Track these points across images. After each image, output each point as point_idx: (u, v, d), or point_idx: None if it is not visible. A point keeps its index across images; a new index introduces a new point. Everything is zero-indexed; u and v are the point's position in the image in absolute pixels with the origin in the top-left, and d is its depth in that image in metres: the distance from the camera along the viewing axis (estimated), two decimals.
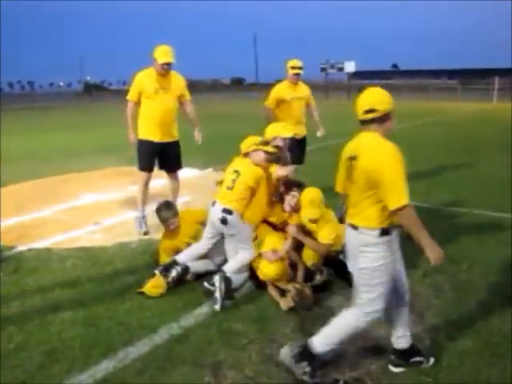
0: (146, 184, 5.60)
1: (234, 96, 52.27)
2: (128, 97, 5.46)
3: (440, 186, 7.74)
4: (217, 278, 3.68)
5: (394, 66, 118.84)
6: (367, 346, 3.15)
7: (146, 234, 5.35)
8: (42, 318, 3.54)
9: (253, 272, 4.03)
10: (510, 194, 6.71)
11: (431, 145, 12.69)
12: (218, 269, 4.00)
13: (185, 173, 8.85)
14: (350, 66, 48.89)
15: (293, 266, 4.04)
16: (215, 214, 3.85)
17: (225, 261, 4.08)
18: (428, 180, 8.20)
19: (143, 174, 5.53)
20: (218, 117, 25.46)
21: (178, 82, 5.49)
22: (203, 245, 4.12)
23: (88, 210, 6.56)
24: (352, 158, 2.66)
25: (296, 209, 4.08)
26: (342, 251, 4.05)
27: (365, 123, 2.69)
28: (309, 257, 4.08)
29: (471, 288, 3.96)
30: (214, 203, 3.94)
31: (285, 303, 3.64)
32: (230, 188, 3.87)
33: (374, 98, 2.70)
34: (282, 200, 4.19)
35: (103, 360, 2.99)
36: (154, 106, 5.31)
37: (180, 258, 4.09)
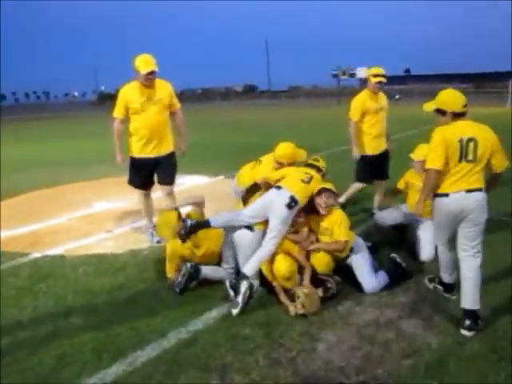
0: (146, 197, 5.45)
1: (247, 104, 52.48)
2: (114, 114, 5.14)
3: None
4: (244, 284, 3.70)
5: (407, 70, 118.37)
6: (374, 350, 3.17)
7: (159, 242, 5.31)
8: (54, 322, 3.62)
9: (261, 275, 4.06)
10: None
11: None
12: (229, 276, 4.06)
13: (196, 180, 8.98)
14: (362, 72, 48.86)
15: (301, 270, 4.07)
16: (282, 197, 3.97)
17: (235, 269, 4.14)
18: None
19: (139, 191, 5.41)
20: (230, 124, 25.62)
21: (165, 90, 5.13)
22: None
23: (101, 218, 6.66)
24: (470, 140, 3.35)
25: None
26: (349, 256, 4.12)
27: (463, 114, 3.46)
28: (319, 265, 4.09)
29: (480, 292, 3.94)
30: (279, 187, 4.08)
31: (293, 309, 3.67)
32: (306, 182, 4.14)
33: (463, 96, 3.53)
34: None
35: (113, 364, 3.05)
36: (142, 120, 5.02)
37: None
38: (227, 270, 4.21)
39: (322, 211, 4.10)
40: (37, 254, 5.16)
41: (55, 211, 6.99)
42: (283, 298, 3.82)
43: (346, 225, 4.12)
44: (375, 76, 5.70)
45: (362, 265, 4.07)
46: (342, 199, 6.06)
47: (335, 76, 51.00)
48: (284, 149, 4.62)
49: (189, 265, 4.05)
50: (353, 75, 49.75)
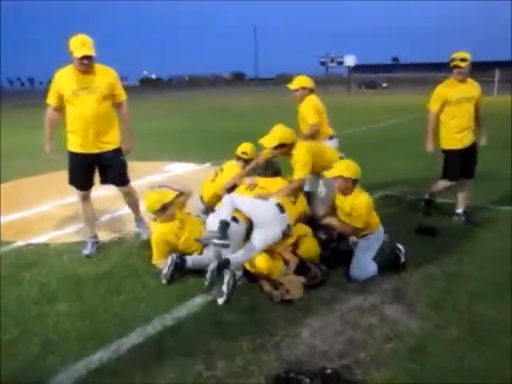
0: (84, 201, 4.84)
1: (235, 91, 52.24)
2: (47, 100, 4.58)
3: (436, 178, 7.76)
4: (227, 272, 3.72)
5: (395, 59, 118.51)
6: (357, 334, 3.21)
7: (88, 257, 4.64)
8: (39, 310, 3.61)
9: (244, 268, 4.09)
10: (502, 188, 6.77)
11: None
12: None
13: (182, 167, 8.96)
14: (350, 60, 48.89)
15: (286, 260, 4.10)
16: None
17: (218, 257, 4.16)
18: (424, 173, 8.23)
19: (78, 192, 4.81)
20: (218, 111, 25.52)
21: (105, 78, 4.48)
22: None
23: None
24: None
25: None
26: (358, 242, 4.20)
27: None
28: (306, 253, 4.18)
29: (461, 278, 4.02)
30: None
31: (278, 295, 3.70)
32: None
33: None
34: None
35: (97, 351, 3.05)
36: (76, 111, 4.44)
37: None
38: (210, 258, 4.22)
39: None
40: (21, 243, 5.12)
41: (40, 199, 6.94)
42: (267, 286, 3.85)
43: (365, 213, 4.02)
44: (453, 60, 5.19)
45: (363, 254, 4.08)
46: (426, 195, 5.85)
47: (323, 63, 50.87)
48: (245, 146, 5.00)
49: (174, 255, 4.05)
50: (341, 63, 49.74)
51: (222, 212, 3.92)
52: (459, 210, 5.59)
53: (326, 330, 3.27)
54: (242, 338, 3.18)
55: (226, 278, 3.68)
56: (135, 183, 7.51)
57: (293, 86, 5.59)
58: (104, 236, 5.25)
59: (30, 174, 8.82)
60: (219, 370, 2.86)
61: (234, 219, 3.98)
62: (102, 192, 7.28)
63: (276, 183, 4.37)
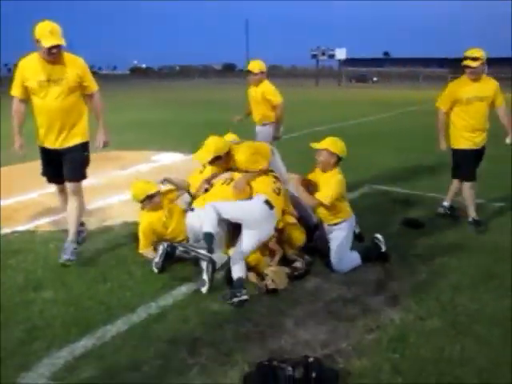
0: (61, 193, 4.66)
1: (225, 82, 52.02)
2: (12, 92, 4.23)
3: (422, 172, 7.88)
4: (204, 260, 3.73)
5: (386, 53, 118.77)
6: (340, 325, 3.26)
7: (64, 265, 4.17)
8: (24, 297, 3.61)
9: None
10: (489, 183, 6.85)
11: (417, 133, 12.83)
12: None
13: (170, 157, 8.93)
14: (341, 53, 48.90)
15: (272, 252, 4.14)
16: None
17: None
18: (410, 166, 8.34)
19: (55, 186, 4.66)
20: (208, 102, 25.42)
21: (73, 68, 4.15)
22: None
23: None
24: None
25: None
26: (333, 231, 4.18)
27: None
28: (292, 240, 4.25)
29: (444, 270, 4.10)
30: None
31: (263, 286, 3.74)
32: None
33: None
34: None
35: (82, 338, 3.07)
36: (41, 104, 4.16)
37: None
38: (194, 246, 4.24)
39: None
40: (6, 230, 5.10)
41: (26, 187, 6.88)
42: (252, 277, 3.89)
43: (334, 190, 4.00)
44: (465, 58, 4.98)
45: (340, 244, 4.10)
46: (446, 202, 5.60)
47: (314, 56, 50.81)
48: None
49: (166, 244, 4.03)
50: (332, 56, 49.72)
51: (206, 223, 3.77)
52: (470, 215, 5.23)
53: (309, 320, 3.32)
54: (226, 326, 3.22)
55: (204, 265, 3.70)
56: (123, 172, 7.55)
57: (255, 69, 5.97)
58: (91, 224, 5.24)
59: (15, 162, 8.73)
60: (203, 357, 2.89)
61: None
62: (90, 180, 7.28)
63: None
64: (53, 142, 4.28)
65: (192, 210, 4.21)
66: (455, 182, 5.48)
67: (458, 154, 5.20)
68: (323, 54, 49.30)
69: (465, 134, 5.10)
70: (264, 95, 5.96)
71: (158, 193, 4.39)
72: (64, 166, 4.37)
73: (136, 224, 4.87)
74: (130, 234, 4.86)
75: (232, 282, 3.68)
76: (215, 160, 4.28)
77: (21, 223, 5.32)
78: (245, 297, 3.53)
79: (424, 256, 4.38)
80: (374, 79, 58.59)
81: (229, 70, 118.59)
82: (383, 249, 4.26)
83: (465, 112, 5.05)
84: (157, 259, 3.99)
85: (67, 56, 4.17)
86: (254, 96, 6.13)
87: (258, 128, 6.18)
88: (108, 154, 9.30)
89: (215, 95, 31.76)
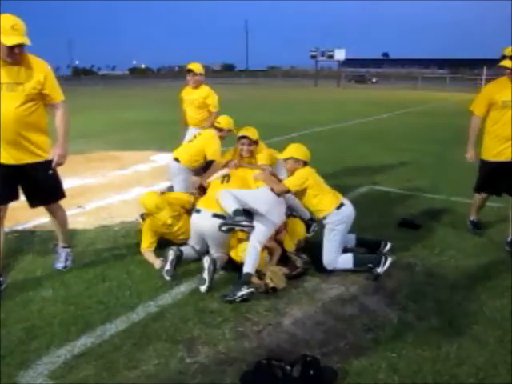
0: None
1: (224, 82, 52.01)
2: None
3: (420, 173, 7.91)
4: (206, 259, 3.76)
5: (385, 54, 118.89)
6: (337, 324, 3.28)
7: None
8: (23, 296, 3.63)
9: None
10: None
11: (415, 134, 12.87)
12: (199, 256, 4.11)
13: (168, 157, 8.91)
14: (340, 54, 48.93)
15: (270, 251, 4.16)
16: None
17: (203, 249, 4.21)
18: (408, 167, 8.36)
19: None
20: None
21: (35, 73, 3.53)
22: None
23: (72, 194, 6.57)
24: None
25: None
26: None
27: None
28: (289, 245, 4.27)
29: (441, 271, 4.12)
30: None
31: (262, 286, 3.75)
32: None
33: None
34: None
35: (82, 336, 3.09)
36: None
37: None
38: (195, 248, 4.25)
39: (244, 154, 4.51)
40: (6, 230, 5.08)
41: None
42: (254, 278, 3.90)
43: (300, 179, 4.04)
44: (504, 57, 4.52)
45: (328, 241, 4.09)
46: (472, 217, 5.09)
47: (313, 57, 50.86)
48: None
49: (175, 248, 3.99)
50: (331, 57, 49.76)
51: (229, 203, 3.84)
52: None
53: (307, 320, 3.34)
54: (224, 325, 3.24)
55: (206, 264, 3.72)
56: (121, 172, 7.57)
57: (198, 69, 6.01)
58: (90, 224, 5.26)
59: None
60: (202, 356, 2.91)
61: (220, 216, 3.96)
62: (91, 180, 7.31)
63: (248, 173, 4.43)
64: (7, 157, 3.60)
65: (198, 211, 4.15)
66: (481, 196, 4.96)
67: (482, 165, 4.75)
68: (322, 54, 49.32)
69: (495, 144, 4.58)
70: (205, 99, 6.00)
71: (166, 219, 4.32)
72: (32, 191, 3.84)
73: (135, 224, 4.90)
74: (129, 233, 4.88)
75: (240, 274, 3.73)
76: (254, 143, 4.51)
77: (20, 223, 5.32)
78: (248, 291, 3.57)
79: (421, 256, 4.40)
80: (373, 80, 58.66)
81: (228, 70, 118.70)
82: (379, 271, 4.02)
83: (499, 118, 4.52)
84: (168, 267, 3.88)
85: (30, 59, 3.56)
86: (194, 99, 6.06)
87: (196, 132, 5.55)
88: (107, 154, 9.35)
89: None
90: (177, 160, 5.04)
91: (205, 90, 6.08)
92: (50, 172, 3.80)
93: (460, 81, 42.43)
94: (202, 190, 4.55)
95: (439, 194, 6.51)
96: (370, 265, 4.03)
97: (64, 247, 4.24)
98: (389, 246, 4.35)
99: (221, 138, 5.10)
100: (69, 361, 2.84)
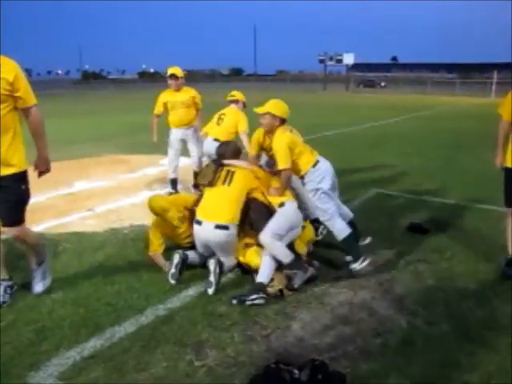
0: None
1: (233, 86, 52.16)
2: None
3: (428, 177, 7.87)
4: (212, 262, 3.76)
5: (394, 58, 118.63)
6: (346, 329, 3.27)
7: (4, 303, 3.54)
8: (33, 298, 3.65)
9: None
10: (493, 188, 6.84)
11: (424, 138, 12.81)
12: (205, 260, 4.07)
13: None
14: (348, 58, 48.90)
15: None
16: None
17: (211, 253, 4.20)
18: (416, 171, 8.32)
19: None
20: (214, 106, 25.47)
21: (2, 72, 3.17)
22: None
23: (82, 197, 6.65)
24: None
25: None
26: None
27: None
28: (301, 248, 4.22)
29: (451, 276, 4.08)
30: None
31: (271, 288, 3.75)
32: None
33: None
34: None
35: (91, 338, 3.10)
36: None
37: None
38: (202, 254, 4.23)
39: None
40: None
41: (36, 189, 6.90)
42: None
43: (285, 151, 4.04)
44: None
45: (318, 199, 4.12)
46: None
47: (322, 61, 50.87)
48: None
49: (180, 252, 4.00)
50: (340, 61, 49.73)
51: (283, 256, 3.86)
52: None
53: (315, 324, 3.32)
54: (233, 329, 3.24)
55: (212, 267, 3.72)
56: (130, 175, 7.61)
57: (180, 73, 6.47)
58: (100, 227, 5.29)
59: None
60: (210, 359, 2.90)
61: (224, 227, 3.94)
62: (101, 183, 7.36)
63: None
64: None
65: (199, 223, 4.05)
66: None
67: (506, 174, 4.28)
68: (331, 59, 49.33)
69: None
70: (195, 99, 6.60)
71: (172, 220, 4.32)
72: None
73: (144, 227, 4.92)
74: (138, 236, 4.90)
75: (253, 283, 3.75)
76: (283, 121, 4.25)
77: (30, 225, 5.32)
78: (259, 301, 3.55)
79: (430, 261, 4.37)
80: (382, 84, 58.53)
81: (236, 74, 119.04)
82: (355, 267, 4.06)
83: None
84: (173, 270, 3.89)
85: None
86: (184, 100, 6.52)
87: (187, 132, 6.67)
88: (117, 157, 9.41)
89: (223, 99, 31.83)
90: (217, 140, 5.77)
91: (190, 90, 6.67)
92: (22, 187, 3.44)
93: (470, 85, 42.19)
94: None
95: (448, 198, 6.46)
96: (349, 257, 4.03)
97: (39, 265, 3.77)
98: (368, 240, 4.35)
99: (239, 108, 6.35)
100: (78, 362, 2.85)
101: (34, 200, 6.41)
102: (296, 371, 2.65)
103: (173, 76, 6.41)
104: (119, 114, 21.10)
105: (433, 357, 2.94)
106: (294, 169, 4.14)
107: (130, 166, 8.74)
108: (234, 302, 3.55)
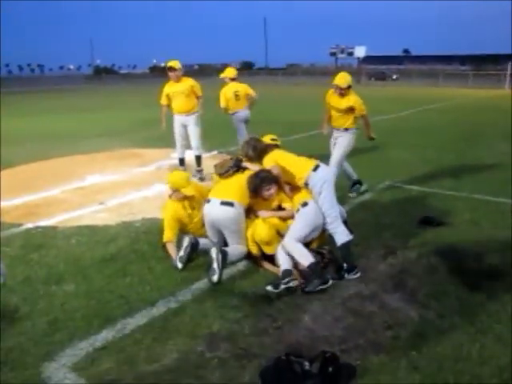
0: None
1: (244, 80, 52.04)
2: None
3: (441, 170, 7.79)
4: (214, 250, 3.82)
5: (406, 51, 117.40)
6: (357, 321, 3.26)
7: (84, 259, 4.08)
8: (47, 290, 3.70)
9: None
10: (507, 181, 6.77)
11: (436, 131, 12.67)
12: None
13: (189, 154, 8.97)
14: (360, 51, 48.47)
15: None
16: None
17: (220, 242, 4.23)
18: (429, 164, 8.25)
19: None
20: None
21: None
22: None
23: (93, 191, 6.70)
24: None
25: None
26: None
27: None
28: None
29: (463, 269, 4.05)
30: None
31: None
32: None
33: None
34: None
35: (103, 330, 3.14)
36: None
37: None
38: (213, 241, 4.27)
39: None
40: (29, 225, 5.21)
41: (49, 183, 7.02)
42: (267, 265, 3.97)
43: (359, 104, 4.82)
44: None
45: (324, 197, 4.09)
46: None
47: (333, 54, 50.50)
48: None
49: (191, 236, 4.09)
50: (351, 54, 49.33)
51: (302, 259, 3.85)
52: None
53: (326, 316, 3.32)
54: (244, 321, 3.25)
55: (214, 255, 3.78)
56: (142, 169, 7.66)
57: (178, 66, 6.96)
58: (112, 220, 5.33)
59: (38, 159, 8.91)
60: (221, 351, 2.92)
61: (229, 204, 4.03)
62: (112, 177, 7.41)
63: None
64: None
65: (208, 201, 4.19)
66: None
67: None
68: (342, 51, 48.94)
69: None
70: (193, 88, 7.13)
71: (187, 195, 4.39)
72: None
73: (156, 220, 4.94)
74: (150, 229, 4.93)
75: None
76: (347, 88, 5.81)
77: (43, 219, 5.42)
78: (293, 283, 3.61)
79: (442, 254, 4.34)
80: (394, 77, 57.96)
81: (247, 67, 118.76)
82: (347, 277, 3.96)
83: None
84: (181, 253, 4.00)
85: None
86: (184, 89, 7.07)
87: (188, 118, 7.20)
88: (128, 152, 9.46)
89: None
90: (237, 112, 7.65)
91: (189, 80, 7.19)
92: None
93: (483, 77, 41.62)
94: None
95: (461, 191, 6.40)
96: (345, 265, 3.98)
97: None
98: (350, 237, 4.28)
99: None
100: (90, 353, 2.89)
101: (49, 193, 6.51)
102: (307, 363, 2.66)
103: (171, 68, 6.92)
104: (132, 109, 21.17)
105: (444, 350, 2.93)
106: (297, 178, 4.13)
107: (143, 160, 8.78)
108: (269, 287, 3.56)
